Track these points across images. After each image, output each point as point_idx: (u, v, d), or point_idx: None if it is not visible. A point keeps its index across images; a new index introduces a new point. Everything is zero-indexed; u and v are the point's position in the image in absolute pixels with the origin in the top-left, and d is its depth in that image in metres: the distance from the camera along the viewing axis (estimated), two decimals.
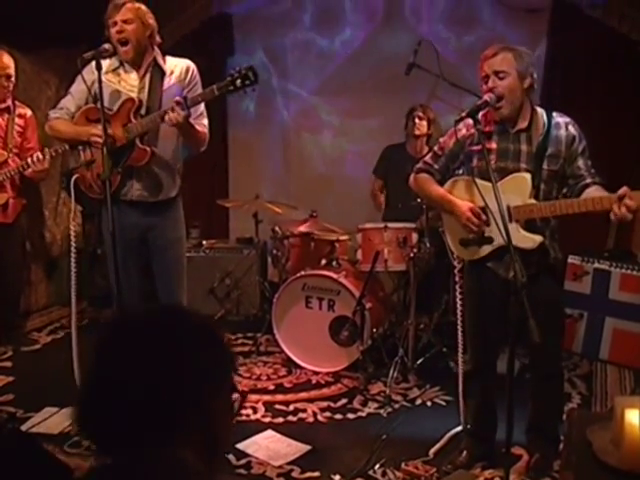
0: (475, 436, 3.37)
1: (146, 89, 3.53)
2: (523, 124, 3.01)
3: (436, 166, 3.24)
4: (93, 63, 3.33)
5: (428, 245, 4.49)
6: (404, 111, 5.15)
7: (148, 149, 3.48)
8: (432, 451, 3.45)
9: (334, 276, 4.48)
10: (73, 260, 3.53)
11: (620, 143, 5.26)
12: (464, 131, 3.08)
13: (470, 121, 2.96)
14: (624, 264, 4.65)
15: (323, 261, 4.79)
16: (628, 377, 4.51)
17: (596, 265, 4.73)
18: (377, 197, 5.40)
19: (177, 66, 3.59)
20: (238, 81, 3.23)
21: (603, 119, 5.14)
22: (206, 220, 6.26)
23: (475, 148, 3.07)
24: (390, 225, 4.49)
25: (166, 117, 3.32)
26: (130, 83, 3.53)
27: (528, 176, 2.94)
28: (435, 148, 3.28)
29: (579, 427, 2.05)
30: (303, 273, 4.59)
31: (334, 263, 4.73)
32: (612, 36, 5.14)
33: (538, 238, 2.91)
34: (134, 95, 3.50)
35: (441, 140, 3.26)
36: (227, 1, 6.23)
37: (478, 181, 2.93)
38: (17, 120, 4.72)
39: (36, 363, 4.73)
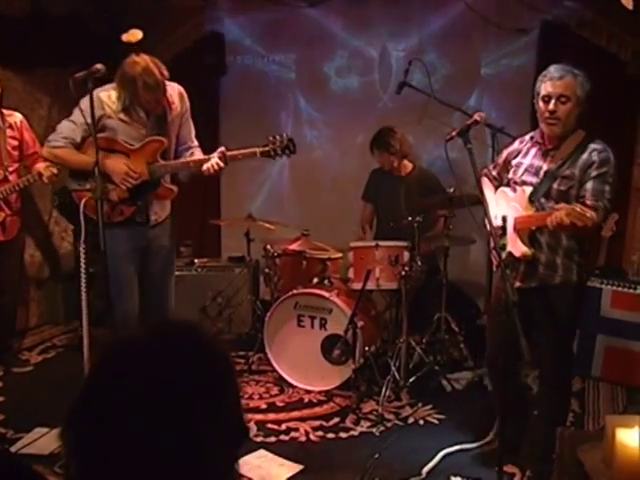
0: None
1: (154, 126, 3.68)
2: (557, 143, 3.15)
3: (494, 172, 3.50)
4: (97, 100, 3.51)
5: (420, 263, 4.50)
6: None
7: (175, 188, 3.76)
8: (425, 470, 3.44)
9: (326, 294, 4.47)
10: (83, 280, 3.50)
11: None
12: (515, 145, 3.37)
13: (526, 137, 3.28)
14: (615, 281, 4.66)
15: (315, 279, 4.77)
16: (620, 394, 4.52)
17: (587, 282, 4.73)
18: (364, 224, 5.37)
19: (173, 95, 3.72)
20: (279, 149, 3.56)
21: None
22: (198, 239, 6.25)
23: (513, 162, 3.31)
24: (382, 243, 4.50)
25: (205, 167, 3.58)
26: (141, 123, 3.65)
27: (528, 190, 3.12)
28: (497, 157, 3.56)
29: (571, 446, 2.05)
30: (295, 292, 4.58)
31: (326, 281, 4.72)
32: (601, 55, 5.19)
33: (525, 249, 3.06)
34: (144, 132, 3.66)
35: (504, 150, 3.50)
36: (219, 20, 6.26)
37: (505, 190, 3.30)
38: (9, 132, 4.56)
39: (27, 383, 4.69)
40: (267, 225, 5.11)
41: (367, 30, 6.05)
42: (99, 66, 3.31)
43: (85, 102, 3.45)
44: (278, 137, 3.57)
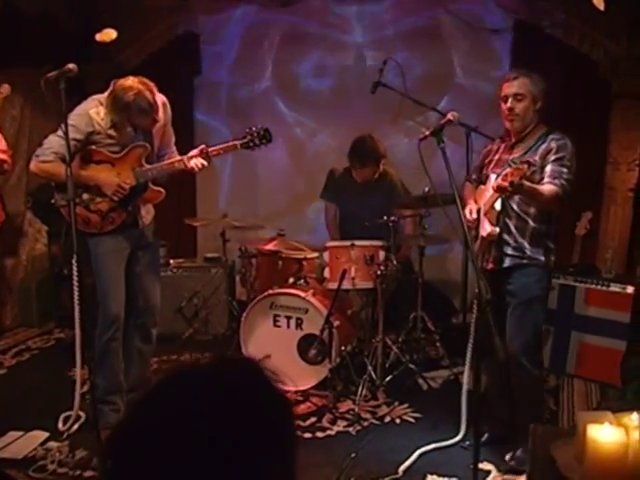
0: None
1: (140, 139, 3.71)
2: (520, 137, 3.39)
3: (474, 176, 3.68)
4: (87, 117, 3.53)
5: (395, 262, 4.51)
6: (373, 130, 5.15)
7: (162, 190, 3.78)
8: (401, 469, 3.45)
9: (302, 294, 4.47)
10: (76, 294, 3.38)
11: (580, 160, 5.33)
12: (489, 147, 3.60)
13: (497, 139, 3.52)
14: (589, 279, 4.71)
15: (291, 279, 4.76)
16: (594, 390, 4.57)
17: (561, 281, 4.78)
18: (331, 225, 5.38)
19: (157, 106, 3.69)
20: (257, 140, 3.68)
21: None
22: (174, 239, 6.22)
23: (486, 160, 3.55)
24: (357, 243, 4.50)
25: (189, 163, 3.63)
26: (129, 138, 3.67)
27: (492, 177, 3.33)
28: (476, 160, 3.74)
29: (543, 443, 2.06)
30: (271, 292, 4.58)
31: (302, 281, 4.72)
32: (573, 55, 5.23)
33: (491, 229, 3.28)
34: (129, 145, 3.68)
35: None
36: (194, 20, 6.24)
37: (481, 186, 3.52)
38: None
39: (0, 386, 4.62)
40: (243, 227, 5.07)
41: (341, 30, 6.06)
42: (71, 66, 3.27)
43: (74, 118, 3.48)
44: (254, 128, 3.69)
